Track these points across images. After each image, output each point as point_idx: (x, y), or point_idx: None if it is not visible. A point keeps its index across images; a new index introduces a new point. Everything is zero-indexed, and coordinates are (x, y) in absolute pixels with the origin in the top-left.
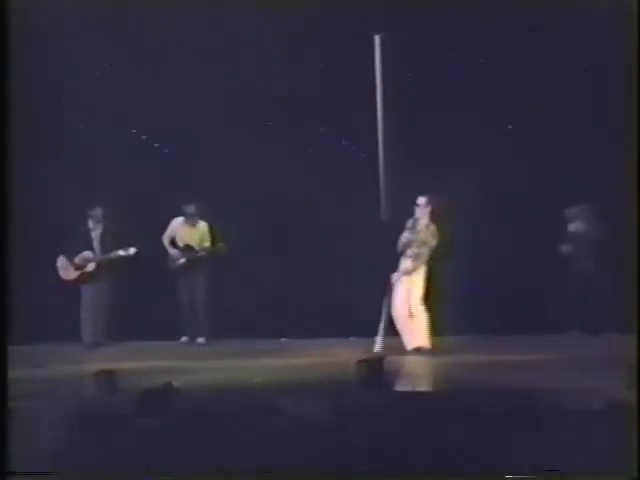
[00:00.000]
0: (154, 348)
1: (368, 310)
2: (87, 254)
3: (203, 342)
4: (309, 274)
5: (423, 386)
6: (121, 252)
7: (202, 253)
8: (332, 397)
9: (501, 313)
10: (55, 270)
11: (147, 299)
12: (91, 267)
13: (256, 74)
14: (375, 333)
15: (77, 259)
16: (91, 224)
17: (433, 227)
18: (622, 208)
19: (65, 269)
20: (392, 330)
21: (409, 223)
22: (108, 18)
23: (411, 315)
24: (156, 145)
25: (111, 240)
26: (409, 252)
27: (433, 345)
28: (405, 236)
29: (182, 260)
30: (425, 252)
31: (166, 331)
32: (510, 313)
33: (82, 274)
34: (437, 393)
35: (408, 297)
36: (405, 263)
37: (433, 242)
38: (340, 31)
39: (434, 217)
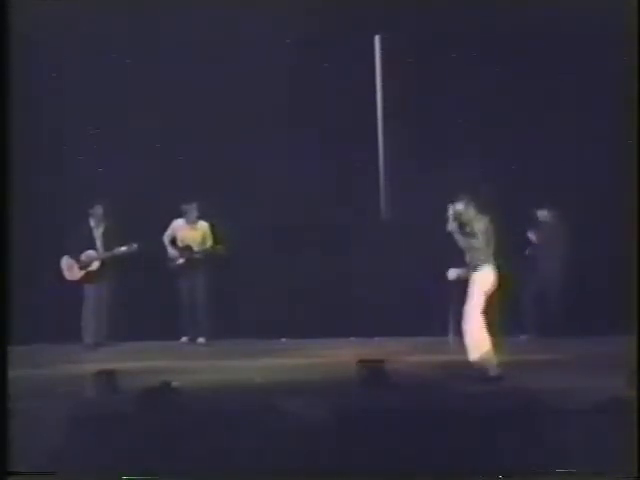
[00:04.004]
0: (154, 348)
1: (368, 310)
2: (90, 253)
3: (203, 342)
4: (309, 274)
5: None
6: (124, 248)
7: (201, 254)
8: (332, 397)
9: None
10: (55, 270)
11: (147, 299)
12: (95, 265)
13: (256, 74)
14: (375, 333)
15: (82, 257)
16: (92, 223)
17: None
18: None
19: (70, 269)
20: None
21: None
22: (108, 19)
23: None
24: (157, 145)
25: (113, 238)
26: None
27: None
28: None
29: (181, 260)
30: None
31: (166, 331)
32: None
33: (87, 274)
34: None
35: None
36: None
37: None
38: (340, 31)
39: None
